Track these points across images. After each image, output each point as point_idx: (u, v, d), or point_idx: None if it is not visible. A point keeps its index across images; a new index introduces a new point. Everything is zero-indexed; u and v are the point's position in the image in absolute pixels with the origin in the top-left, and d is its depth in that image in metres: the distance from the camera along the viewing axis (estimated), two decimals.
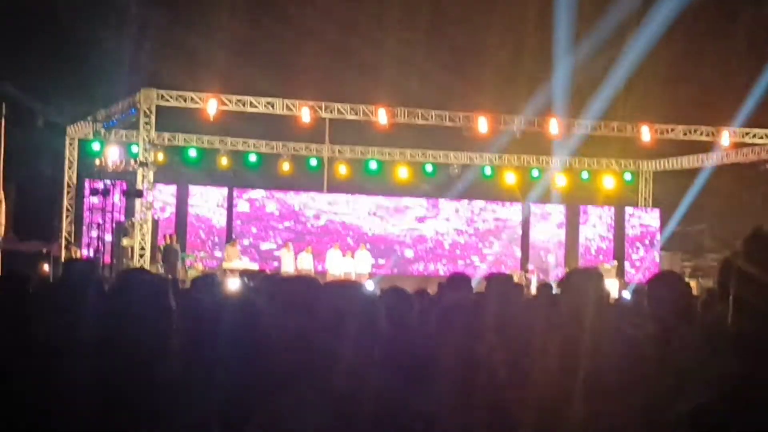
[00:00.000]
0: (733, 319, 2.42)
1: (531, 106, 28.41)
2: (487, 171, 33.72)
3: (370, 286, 21.62)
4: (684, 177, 32.40)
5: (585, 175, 34.60)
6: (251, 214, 31.77)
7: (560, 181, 33.73)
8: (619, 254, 34.26)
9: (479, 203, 33.88)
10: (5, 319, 5.57)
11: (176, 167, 30.64)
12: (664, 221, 34.12)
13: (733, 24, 29.40)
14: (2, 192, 24.72)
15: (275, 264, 29.54)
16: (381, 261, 31.54)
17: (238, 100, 27.13)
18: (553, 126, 28.62)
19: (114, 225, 26.51)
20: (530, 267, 31.20)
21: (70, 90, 28.55)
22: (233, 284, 13.98)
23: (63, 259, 26.60)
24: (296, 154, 32.58)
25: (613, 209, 34.94)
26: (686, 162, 33.11)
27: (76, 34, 28.63)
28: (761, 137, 29.68)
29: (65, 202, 29.85)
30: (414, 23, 31.19)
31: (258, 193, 31.97)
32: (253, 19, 30.85)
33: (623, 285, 28.22)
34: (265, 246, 31.46)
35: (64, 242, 28.94)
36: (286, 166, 31.99)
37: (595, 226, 34.81)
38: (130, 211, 26.78)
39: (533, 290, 23.78)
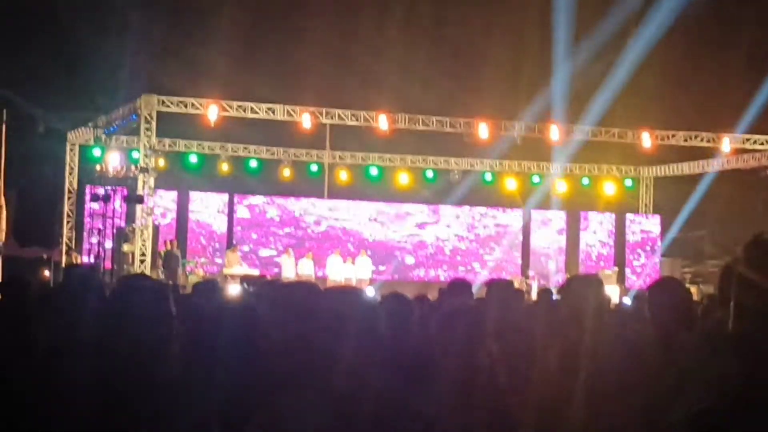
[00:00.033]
0: (734, 325, 2.42)
1: (531, 112, 28.45)
2: (488, 177, 33.73)
3: (370, 292, 21.63)
4: (684, 183, 32.41)
5: (585, 181, 34.59)
6: (252, 220, 31.76)
7: (561, 187, 33.73)
8: (619, 260, 34.25)
9: (480, 209, 33.87)
10: (6, 324, 5.58)
11: (177, 173, 30.64)
12: (664, 227, 34.11)
13: (734, 30, 29.43)
14: (3, 198, 24.73)
15: (276, 270, 29.52)
16: (381, 267, 31.51)
17: (239, 106, 27.15)
18: (554, 132, 28.64)
19: (115, 231, 26.51)
20: (531, 273, 31.18)
21: (71, 96, 28.57)
22: (234, 290, 13.99)
23: (63, 265, 26.63)
24: (297, 159, 32.59)
25: (613, 215, 34.93)
26: (687, 168, 33.10)
27: (77, 40, 28.66)
28: (761, 143, 29.69)
29: (66, 208, 29.86)
30: (414, 29, 31.23)
31: (258, 199, 31.97)
32: (254, 25, 30.89)
33: (624, 291, 28.20)
34: (265, 252, 31.45)
35: (64, 248, 28.95)
36: (286, 172, 31.99)
37: (596, 232, 34.80)
38: (130, 217, 26.79)
39: (534, 296, 23.77)
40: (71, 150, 30.15)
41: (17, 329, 5.08)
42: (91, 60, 28.08)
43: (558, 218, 34.43)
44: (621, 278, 32.31)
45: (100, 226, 26.27)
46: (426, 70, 30.67)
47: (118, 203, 26.50)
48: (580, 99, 28.46)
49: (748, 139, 29.61)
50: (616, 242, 34.80)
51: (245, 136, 31.06)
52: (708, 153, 31.12)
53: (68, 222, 29.84)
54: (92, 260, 25.91)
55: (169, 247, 26.58)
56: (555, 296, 10.35)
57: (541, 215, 34.33)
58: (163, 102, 26.55)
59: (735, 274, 2.51)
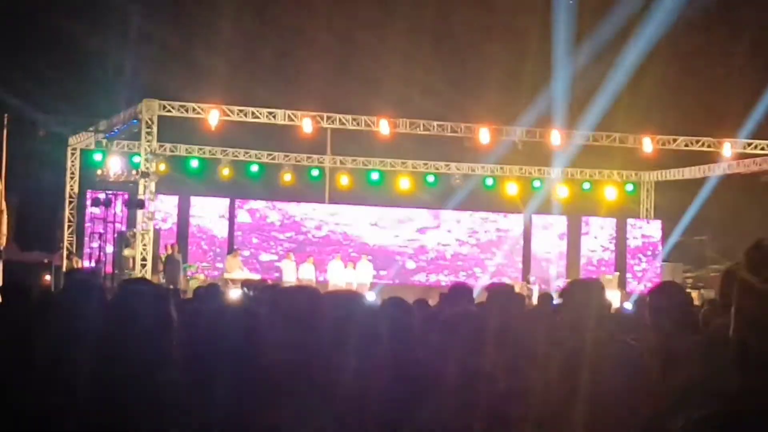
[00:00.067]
0: (735, 331, 2.41)
1: (532, 117, 28.45)
2: (489, 182, 33.71)
3: (371, 296, 21.63)
4: (686, 188, 32.41)
5: (587, 185, 34.58)
6: (252, 224, 31.76)
7: (562, 191, 33.71)
8: (620, 265, 34.22)
9: (481, 214, 33.86)
10: (7, 329, 5.57)
11: (178, 178, 30.63)
12: (665, 232, 34.09)
13: (735, 36, 29.45)
14: (4, 202, 24.73)
15: (276, 275, 29.52)
16: (383, 272, 31.50)
17: (240, 111, 27.16)
18: (555, 137, 28.63)
19: (115, 235, 26.52)
20: (532, 278, 31.17)
21: (72, 100, 28.60)
22: (235, 294, 13.99)
23: (64, 269, 26.64)
24: (298, 164, 32.59)
25: (614, 220, 34.91)
26: (688, 173, 33.09)
27: (79, 45, 28.70)
28: (762, 148, 29.67)
29: (67, 213, 29.86)
30: (415, 35, 31.25)
31: (259, 204, 31.97)
32: (255, 30, 30.93)
33: (625, 296, 28.18)
34: (265, 257, 31.44)
35: (65, 252, 28.94)
36: (287, 177, 31.97)
37: (597, 237, 34.77)
38: (131, 222, 26.80)
39: (535, 301, 23.75)
40: (72, 154, 30.15)
41: (18, 334, 5.08)
42: (92, 64, 28.14)
43: (559, 223, 34.41)
44: (622, 283, 32.29)
45: (101, 231, 26.28)
46: (427, 74, 30.70)
47: (119, 208, 26.51)
48: (581, 104, 28.47)
49: (749, 144, 29.59)
50: (617, 247, 34.77)
51: (246, 141, 31.07)
52: (709, 158, 31.11)
53: (69, 226, 29.83)
54: (93, 265, 25.91)
55: (170, 251, 26.58)
56: (556, 301, 10.35)
57: (542, 220, 34.31)
58: (164, 106, 26.55)
59: (736, 279, 2.50)
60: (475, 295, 7.60)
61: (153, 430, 3.60)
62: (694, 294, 22.30)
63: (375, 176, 32.81)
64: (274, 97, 27.68)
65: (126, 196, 26.42)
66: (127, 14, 28.11)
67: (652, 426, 4.21)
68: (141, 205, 25.63)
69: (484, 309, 6.56)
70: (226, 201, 31.57)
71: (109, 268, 25.68)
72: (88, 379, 3.73)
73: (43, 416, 3.93)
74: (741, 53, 29.28)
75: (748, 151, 29.88)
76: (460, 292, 7.25)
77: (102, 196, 26.03)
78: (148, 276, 24.23)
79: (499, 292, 6.70)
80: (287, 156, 32.30)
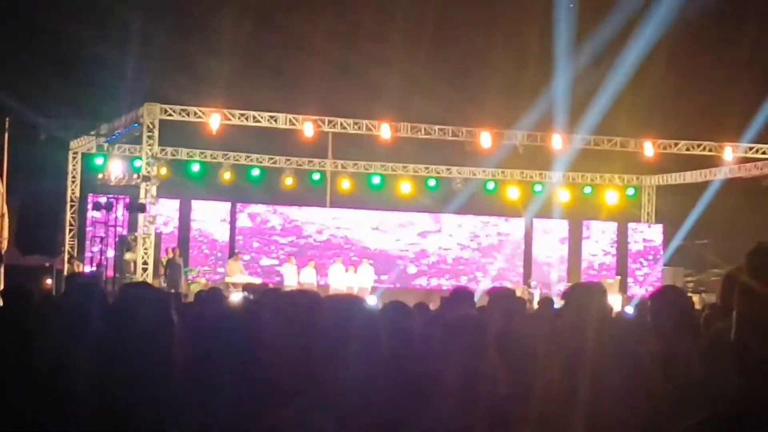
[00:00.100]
0: (736, 335, 2.42)
1: (533, 121, 28.45)
2: (490, 186, 33.70)
3: (372, 300, 21.62)
4: (687, 192, 32.39)
5: (588, 189, 34.56)
6: (254, 228, 31.76)
7: (563, 196, 33.70)
8: (621, 270, 34.21)
9: (482, 218, 33.86)
10: (8, 333, 5.57)
11: (179, 181, 30.63)
12: (667, 236, 34.08)
13: (737, 40, 29.44)
14: (5, 206, 24.73)
15: (277, 279, 29.52)
16: (384, 277, 31.47)
17: (241, 115, 27.17)
18: (556, 141, 28.63)
19: (117, 239, 26.52)
20: (533, 282, 31.15)
21: (74, 104, 28.61)
22: (236, 298, 13.98)
23: (66, 273, 26.62)
24: (299, 168, 32.58)
25: (616, 224, 34.89)
26: (689, 177, 33.07)
27: (80, 49, 28.73)
28: (764, 152, 29.66)
29: (68, 216, 29.86)
30: (417, 38, 31.26)
31: (260, 208, 31.97)
32: (257, 34, 30.94)
33: (626, 300, 28.18)
34: (266, 261, 31.43)
35: (66, 256, 28.94)
36: (288, 181, 31.97)
37: (598, 241, 34.76)
38: (133, 226, 26.79)
39: (536, 305, 23.72)
40: (73, 158, 30.16)
41: (19, 337, 5.08)
42: (93, 68, 28.14)
43: (560, 227, 34.40)
44: (623, 287, 32.28)
45: (102, 235, 26.29)
46: (428, 78, 30.69)
47: (120, 212, 26.50)
48: (582, 108, 28.47)
49: (751, 148, 29.58)
50: (619, 251, 34.76)
51: (247, 145, 31.08)
52: (711, 162, 31.10)
53: (70, 230, 29.84)
54: (94, 269, 25.91)
55: (171, 255, 26.57)
56: (556, 305, 10.35)
57: (544, 224, 34.30)
58: (166, 110, 26.56)
59: (737, 283, 2.51)
60: (476, 299, 7.60)
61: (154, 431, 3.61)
62: (696, 298, 22.28)
63: (376, 180, 32.78)
64: (275, 101, 27.70)
65: (127, 200, 26.42)
66: (128, 18, 28.13)
67: (653, 429, 4.21)
68: (142, 209, 25.63)
69: (485, 313, 6.56)
70: (228, 205, 31.58)
71: (110, 272, 25.68)
72: (89, 383, 3.73)
73: (44, 420, 3.93)
74: (742, 57, 29.28)
75: (750, 155, 29.86)
76: (461, 296, 7.25)
77: (103, 200, 26.03)
78: (150, 280, 24.23)
79: (500, 296, 6.70)
80: (288, 160, 32.30)
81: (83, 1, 29.65)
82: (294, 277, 28.87)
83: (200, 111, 26.85)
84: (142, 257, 25.83)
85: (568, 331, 4.93)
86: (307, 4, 33.36)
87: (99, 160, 28.83)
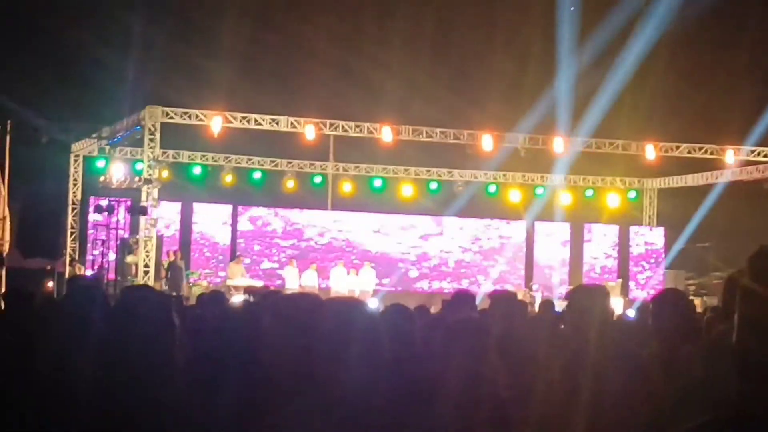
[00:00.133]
0: (738, 338, 2.41)
1: (535, 124, 28.45)
2: (492, 189, 33.67)
3: (374, 303, 21.60)
4: (689, 195, 32.39)
5: (589, 192, 34.54)
6: (255, 231, 31.76)
7: (564, 199, 33.68)
8: (623, 273, 34.19)
9: (484, 221, 33.85)
10: (9, 336, 5.58)
11: (181, 184, 30.63)
12: (668, 239, 34.07)
13: (739, 43, 29.45)
14: (7, 209, 24.75)
15: (279, 282, 29.50)
16: (386, 281, 31.45)
17: (243, 118, 27.15)
18: (557, 144, 28.61)
19: (118, 242, 26.52)
20: (534, 285, 31.14)
21: (75, 107, 28.65)
22: (237, 301, 13.97)
23: (67, 276, 26.61)
24: (300, 171, 32.57)
25: (617, 227, 34.88)
26: (691, 180, 33.06)
27: (82, 52, 28.76)
28: (766, 155, 29.64)
29: (69, 219, 29.88)
30: (418, 42, 31.29)
31: (262, 211, 31.97)
32: (258, 37, 30.97)
33: (628, 303, 28.15)
34: (267, 264, 31.42)
35: (68, 259, 28.93)
36: (290, 184, 31.97)
37: (600, 244, 34.75)
38: (134, 228, 26.79)
39: (537, 308, 23.67)
40: (75, 161, 30.18)
41: (21, 340, 5.08)
42: (95, 71, 28.16)
43: (562, 230, 34.38)
44: (625, 290, 32.26)
45: (104, 238, 26.29)
46: (430, 82, 30.73)
47: (121, 214, 26.51)
48: (584, 110, 28.47)
49: (752, 151, 29.56)
50: (620, 254, 34.75)
51: (249, 148, 31.08)
52: (712, 165, 31.09)
53: (72, 233, 29.85)
54: (96, 271, 25.92)
55: (172, 258, 26.57)
56: (558, 308, 10.35)
57: (545, 227, 34.28)
58: (167, 113, 26.55)
59: (739, 286, 2.50)
60: (477, 302, 7.60)
61: None
62: (697, 301, 22.25)
63: (378, 183, 32.77)
64: (276, 104, 27.69)
65: (129, 203, 26.43)
66: (129, 21, 28.14)
67: (654, 431, 4.21)
68: (144, 211, 25.63)
69: (486, 316, 6.56)
70: (229, 208, 31.58)
71: (111, 275, 25.67)
72: (91, 386, 3.73)
73: (46, 422, 3.93)
74: (744, 60, 29.28)
75: (752, 158, 29.84)
76: (462, 299, 7.25)
77: (105, 202, 26.03)
78: (151, 283, 24.24)
79: (501, 299, 6.70)
80: (290, 163, 32.29)
81: (85, 4, 29.68)
82: (295, 280, 28.86)
83: (202, 114, 26.85)
84: (144, 260, 25.83)
85: (570, 333, 4.93)
86: (309, 7, 33.39)
87: (100, 163, 28.85)
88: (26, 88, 26.96)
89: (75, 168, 30.15)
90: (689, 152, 29.88)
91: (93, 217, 27.96)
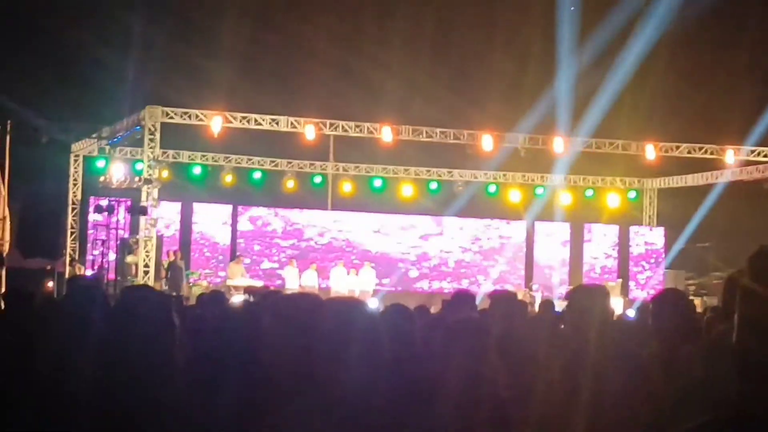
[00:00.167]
0: (738, 338, 2.41)
1: (535, 124, 28.44)
2: (492, 189, 33.66)
3: (374, 303, 21.59)
4: (689, 195, 32.39)
5: (589, 192, 34.54)
6: (255, 231, 31.75)
7: (564, 199, 33.67)
8: (623, 273, 34.18)
9: (484, 221, 33.84)
10: (9, 336, 5.58)
11: (181, 184, 30.62)
12: (668, 239, 34.07)
13: (739, 43, 29.45)
14: (7, 209, 24.75)
15: (279, 282, 29.49)
16: (386, 281, 31.45)
17: (243, 118, 27.14)
18: (558, 144, 28.60)
19: (118, 242, 26.52)
20: (534, 285, 31.14)
21: (75, 107, 28.65)
22: (237, 301, 13.97)
23: (67, 276, 26.61)
24: (300, 171, 32.57)
25: (617, 227, 34.88)
26: (691, 180, 33.06)
27: (82, 52, 28.76)
28: (766, 155, 29.63)
29: (69, 219, 29.88)
30: (418, 42, 31.29)
31: (262, 211, 31.97)
32: (258, 37, 30.97)
33: (628, 303, 28.14)
34: (267, 265, 31.40)
35: (68, 259, 28.93)
36: (290, 184, 31.97)
37: (600, 244, 34.74)
38: (134, 228, 26.78)
39: (537, 308, 23.66)
40: (75, 161, 30.18)
41: (21, 340, 5.08)
42: (95, 71, 28.17)
43: (562, 230, 34.37)
44: (625, 290, 32.25)
45: (104, 238, 26.29)
46: (429, 82, 30.73)
47: (121, 214, 26.50)
48: (584, 110, 28.46)
49: (752, 151, 29.55)
50: (620, 254, 34.74)
51: (249, 148, 31.08)
52: (712, 165, 31.08)
53: (72, 233, 29.85)
54: (96, 271, 25.91)
55: (172, 258, 26.57)
56: (557, 307, 10.34)
57: (545, 227, 34.28)
58: (167, 113, 26.54)
59: (739, 286, 2.50)
60: (477, 302, 7.60)
61: None
62: (697, 301, 22.25)
63: (378, 183, 32.76)
64: (276, 104, 27.69)
65: (129, 203, 26.43)
66: (129, 21, 28.14)
67: (654, 431, 4.21)
68: (144, 211, 25.63)
69: (486, 316, 6.56)
70: (229, 208, 31.58)
71: (111, 275, 25.67)
72: (91, 386, 3.73)
73: (46, 422, 3.93)
74: (744, 60, 29.28)
75: (752, 158, 29.83)
76: (462, 299, 7.25)
77: (105, 202, 26.03)
78: (151, 283, 24.23)
79: (501, 299, 6.70)
80: (290, 163, 32.29)
81: (85, 4, 29.68)
82: (295, 280, 28.85)
83: (202, 114, 26.84)
84: (144, 260, 25.82)
85: (570, 333, 4.93)
86: (309, 7, 33.39)
87: (100, 163, 28.85)
88: (26, 88, 26.96)
89: (75, 168, 30.15)
90: (689, 152, 29.87)
91: (93, 217, 27.95)
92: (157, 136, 26.33)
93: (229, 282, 27.18)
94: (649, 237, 35.01)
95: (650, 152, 29.39)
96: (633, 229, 34.97)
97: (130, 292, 4.42)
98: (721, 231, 30.33)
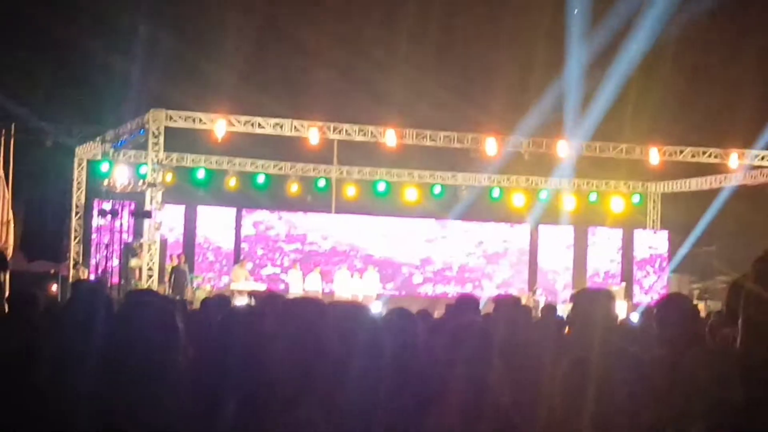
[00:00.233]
0: (742, 342, 2.41)
1: (539, 127, 28.43)
2: (496, 192, 33.63)
3: (377, 307, 21.59)
4: (693, 199, 32.37)
5: (593, 196, 34.51)
6: (258, 235, 31.76)
7: (568, 202, 33.64)
8: (627, 276, 34.14)
9: (488, 225, 33.82)
10: (13, 339, 5.58)
11: (184, 188, 30.65)
12: (672, 243, 34.03)
13: (743, 47, 29.43)
14: (11, 212, 24.77)
15: (282, 286, 29.48)
16: (389, 285, 31.43)
17: (247, 121, 27.13)
18: (561, 147, 28.58)
19: (122, 246, 26.51)
20: (538, 290, 31.11)
21: (79, 111, 28.67)
22: (241, 305, 13.96)
23: (71, 280, 26.62)
24: (304, 175, 32.57)
25: (621, 231, 34.84)
26: (695, 184, 33.02)
27: (86, 56, 28.79)
28: None
29: (73, 223, 29.88)
30: (422, 45, 31.29)
31: (265, 215, 31.97)
32: (262, 40, 31.00)
33: (632, 307, 28.12)
34: (270, 269, 31.38)
35: (72, 263, 28.95)
36: (294, 188, 31.97)
37: (604, 248, 34.70)
38: (138, 232, 26.77)
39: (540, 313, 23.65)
40: (79, 165, 30.19)
41: (24, 343, 5.08)
42: (99, 75, 28.20)
43: (566, 234, 34.34)
44: (628, 294, 32.21)
45: (108, 241, 26.29)
46: (433, 85, 30.72)
47: (125, 218, 26.49)
48: (588, 114, 28.44)
49: (757, 155, 29.50)
50: (624, 258, 34.70)
51: (253, 151, 31.10)
52: (716, 169, 31.05)
53: (76, 237, 29.85)
54: (100, 275, 25.91)
55: (176, 262, 26.58)
56: (560, 312, 10.33)
57: (549, 231, 34.25)
58: (171, 117, 26.52)
59: (743, 290, 2.50)
60: (481, 306, 7.59)
61: None
62: (701, 305, 22.24)
63: (381, 187, 32.73)
64: (280, 108, 27.68)
65: (132, 207, 26.41)
66: (134, 24, 28.18)
67: None
68: (147, 215, 25.62)
69: (490, 320, 6.56)
70: (233, 211, 31.59)
71: (115, 279, 25.67)
72: (94, 389, 3.73)
73: (49, 426, 3.93)
74: (749, 63, 29.26)
75: (756, 162, 29.78)
76: (466, 303, 7.24)
77: (108, 206, 26.02)
78: (155, 287, 24.23)
79: (505, 303, 6.69)
80: (294, 166, 32.30)
81: (89, 8, 29.71)
82: (299, 284, 28.82)
83: (206, 117, 26.83)
84: (147, 264, 25.81)
85: (574, 336, 4.92)
86: (313, 10, 33.41)
87: (104, 167, 28.82)
88: (30, 91, 27.00)
89: (79, 171, 30.16)
90: (693, 156, 29.82)
91: (97, 220, 27.94)
92: (161, 139, 26.31)
93: (232, 286, 27.17)
94: (653, 241, 34.96)
95: (654, 156, 29.34)
96: (637, 233, 34.94)
97: (134, 296, 4.43)
98: (726, 235, 30.31)
